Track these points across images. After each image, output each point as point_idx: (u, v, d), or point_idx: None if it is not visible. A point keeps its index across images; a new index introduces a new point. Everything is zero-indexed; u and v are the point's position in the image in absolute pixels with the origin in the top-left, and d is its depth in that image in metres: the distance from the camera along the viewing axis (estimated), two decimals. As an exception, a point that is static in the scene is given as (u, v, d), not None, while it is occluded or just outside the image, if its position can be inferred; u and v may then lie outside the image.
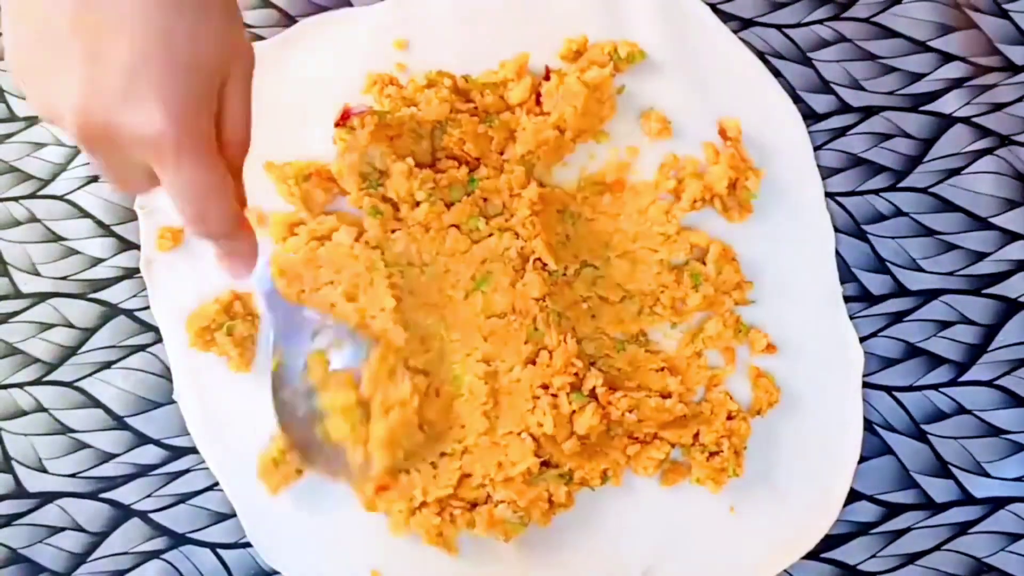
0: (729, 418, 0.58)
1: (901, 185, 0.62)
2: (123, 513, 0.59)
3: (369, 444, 0.53)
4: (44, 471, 0.60)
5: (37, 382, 0.61)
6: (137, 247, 0.61)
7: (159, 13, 0.35)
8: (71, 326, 0.61)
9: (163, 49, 0.35)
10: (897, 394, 0.60)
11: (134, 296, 0.61)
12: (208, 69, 0.37)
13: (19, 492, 0.60)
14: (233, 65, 0.39)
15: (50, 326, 0.61)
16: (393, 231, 0.57)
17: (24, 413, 0.60)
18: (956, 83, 0.63)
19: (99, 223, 0.62)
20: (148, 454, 0.60)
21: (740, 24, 0.63)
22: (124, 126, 0.36)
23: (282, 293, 0.55)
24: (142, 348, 0.61)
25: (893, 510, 0.59)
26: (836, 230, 0.61)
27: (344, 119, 0.56)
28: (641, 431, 0.57)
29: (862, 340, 0.59)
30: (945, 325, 0.60)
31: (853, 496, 0.58)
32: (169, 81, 0.35)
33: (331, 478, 0.55)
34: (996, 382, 0.60)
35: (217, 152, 0.39)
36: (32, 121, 0.63)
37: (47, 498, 0.59)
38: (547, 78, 0.60)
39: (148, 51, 0.35)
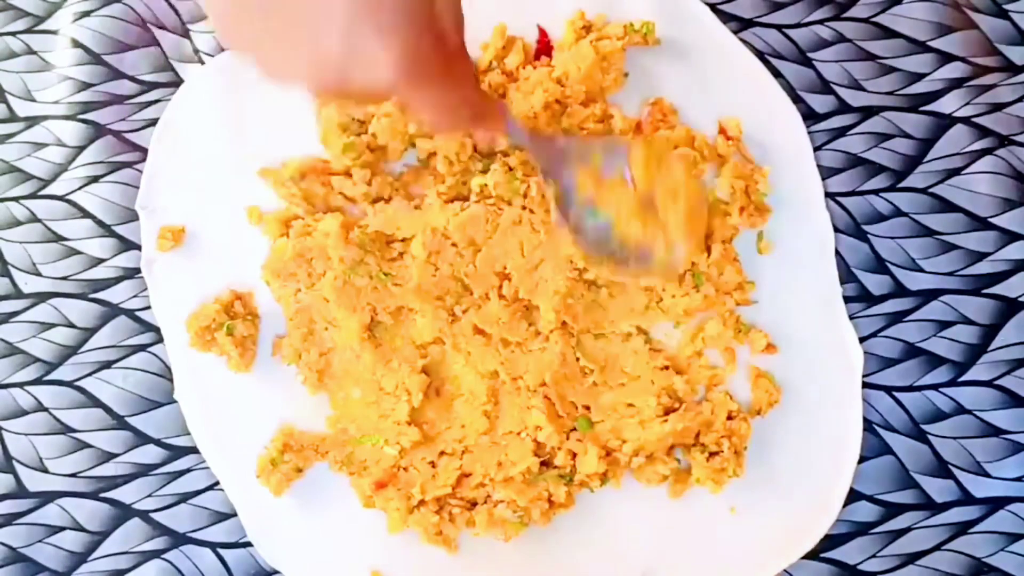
0: (729, 418, 0.58)
1: (901, 185, 0.62)
2: (124, 512, 0.59)
3: (669, 232, 0.54)
4: (45, 471, 0.60)
5: (38, 382, 0.61)
6: (138, 247, 0.61)
7: None
8: (72, 326, 0.61)
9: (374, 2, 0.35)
10: (897, 394, 0.60)
11: (135, 296, 0.61)
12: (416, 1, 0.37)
13: (20, 491, 0.60)
14: None
15: (51, 326, 0.61)
16: (375, 202, 0.58)
17: (25, 413, 0.60)
18: (956, 83, 0.63)
19: (100, 223, 0.62)
20: (149, 454, 0.60)
21: (740, 24, 0.63)
22: (357, 85, 0.36)
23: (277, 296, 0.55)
24: (143, 348, 0.61)
25: (893, 510, 0.59)
26: (836, 230, 0.61)
27: None
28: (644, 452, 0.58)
29: (862, 340, 0.59)
30: (945, 325, 0.60)
31: (853, 496, 0.58)
32: (384, 32, 0.35)
33: (644, 274, 0.56)
34: (996, 382, 0.60)
35: (446, 63, 0.39)
36: (33, 121, 0.63)
37: (48, 497, 0.60)
38: (541, 41, 0.61)
39: (358, 5, 0.35)
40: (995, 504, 0.59)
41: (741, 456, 0.57)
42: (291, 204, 0.59)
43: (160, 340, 0.60)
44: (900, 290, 0.61)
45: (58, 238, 0.62)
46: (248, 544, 0.59)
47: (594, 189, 0.54)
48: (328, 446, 0.58)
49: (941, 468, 0.59)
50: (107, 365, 0.61)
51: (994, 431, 0.59)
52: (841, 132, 0.62)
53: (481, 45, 0.61)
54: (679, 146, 0.60)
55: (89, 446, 0.60)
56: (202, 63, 0.64)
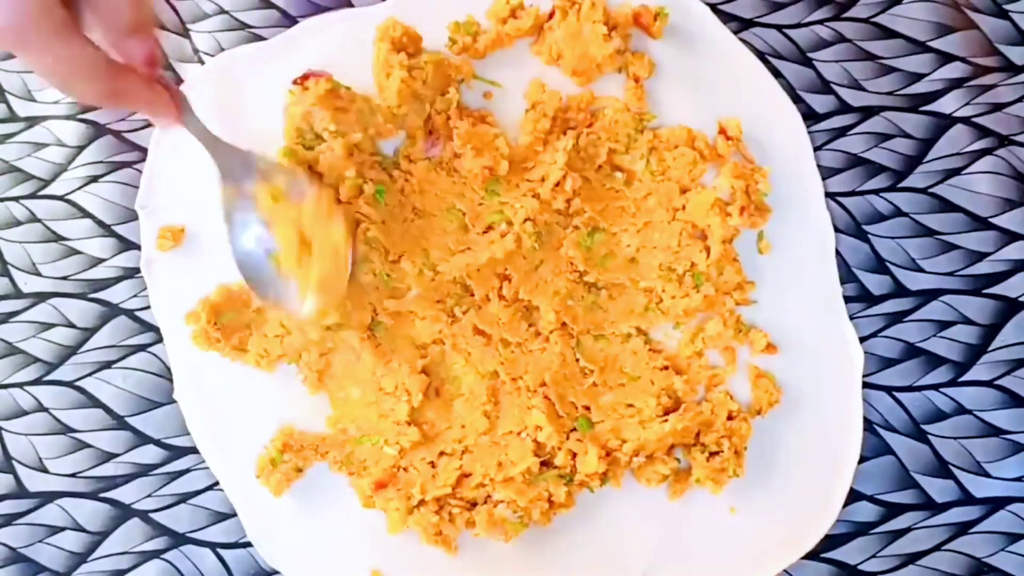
0: (730, 418, 0.58)
1: (901, 185, 0.62)
2: (123, 513, 0.59)
3: (311, 281, 0.54)
4: (45, 471, 0.60)
5: (37, 382, 0.61)
6: (137, 247, 0.61)
7: None
8: (71, 326, 0.61)
9: None
10: (897, 394, 0.60)
11: (134, 296, 0.61)
12: None
13: (20, 492, 0.60)
14: None
15: (50, 326, 0.61)
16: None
17: (25, 413, 0.60)
18: (956, 83, 0.63)
19: (99, 223, 0.62)
20: (148, 454, 0.60)
21: (740, 24, 0.63)
22: None
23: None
24: (142, 348, 0.61)
25: (893, 510, 0.59)
26: (836, 230, 0.61)
27: (303, 80, 0.58)
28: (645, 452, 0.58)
29: (862, 340, 0.59)
30: (945, 325, 0.60)
31: (853, 496, 0.58)
32: None
33: (279, 311, 0.57)
34: (996, 382, 0.60)
35: (75, 31, 0.40)
36: (33, 121, 0.63)
37: (47, 497, 0.60)
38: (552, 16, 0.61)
39: None
40: (995, 504, 0.59)
41: (741, 456, 0.57)
42: None
43: (160, 340, 0.60)
44: (900, 290, 0.61)
45: (58, 238, 0.62)
46: (248, 544, 0.59)
47: (270, 208, 0.54)
48: (328, 446, 0.58)
49: (941, 468, 0.59)
50: (107, 365, 0.61)
51: (994, 431, 0.59)
52: (841, 132, 0.62)
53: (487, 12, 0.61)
54: (679, 146, 0.60)
55: (89, 446, 0.60)
56: (202, 63, 0.64)
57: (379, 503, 0.57)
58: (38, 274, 0.62)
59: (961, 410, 0.60)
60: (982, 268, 0.61)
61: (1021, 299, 0.61)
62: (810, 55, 0.63)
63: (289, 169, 0.56)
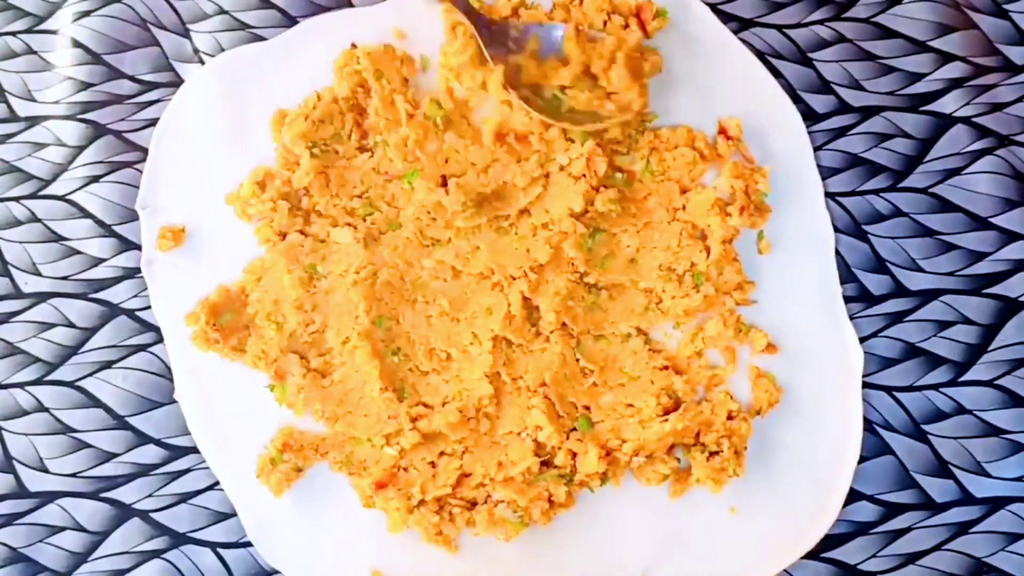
0: (729, 418, 0.58)
1: (901, 185, 0.62)
2: (124, 512, 0.59)
3: (617, 91, 0.59)
4: (45, 471, 0.60)
5: (38, 382, 0.61)
6: (138, 247, 0.61)
7: None
8: (72, 326, 0.61)
9: None
10: (897, 394, 0.60)
11: (135, 296, 0.61)
12: None
13: (20, 491, 0.60)
14: None
15: (51, 326, 0.61)
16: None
17: (25, 413, 0.60)
18: (956, 83, 0.63)
19: (100, 223, 0.62)
20: (148, 454, 0.60)
21: (740, 24, 0.63)
22: None
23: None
24: (143, 348, 0.61)
25: (893, 510, 0.59)
26: (836, 230, 0.61)
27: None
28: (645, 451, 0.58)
29: (862, 340, 0.60)
30: (945, 325, 0.60)
31: (853, 496, 0.58)
32: None
33: (603, 127, 0.59)
34: (996, 382, 0.60)
35: None
36: (33, 121, 0.63)
37: (48, 497, 0.60)
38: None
39: None
40: (995, 504, 0.59)
41: (741, 456, 0.57)
42: (262, 222, 0.60)
43: (160, 340, 0.61)
44: (900, 290, 0.61)
45: (58, 238, 0.62)
46: (248, 544, 0.59)
47: (535, 71, 0.59)
48: (328, 446, 0.58)
49: (941, 468, 0.59)
50: (107, 365, 0.61)
51: (994, 431, 0.59)
52: (841, 132, 0.62)
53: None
54: (679, 145, 0.60)
55: (89, 446, 0.60)
56: (202, 63, 0.64)
57: (379, 503, 0.57)
58: (38, 274, 0.62)
59: (961, 410, 0.60)
60: (982, 268, 0.61)
61: (1021, 299, 0.61)
62: (810, 55, 0.63)
63: (539, 27, 0.60)
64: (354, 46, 0.61)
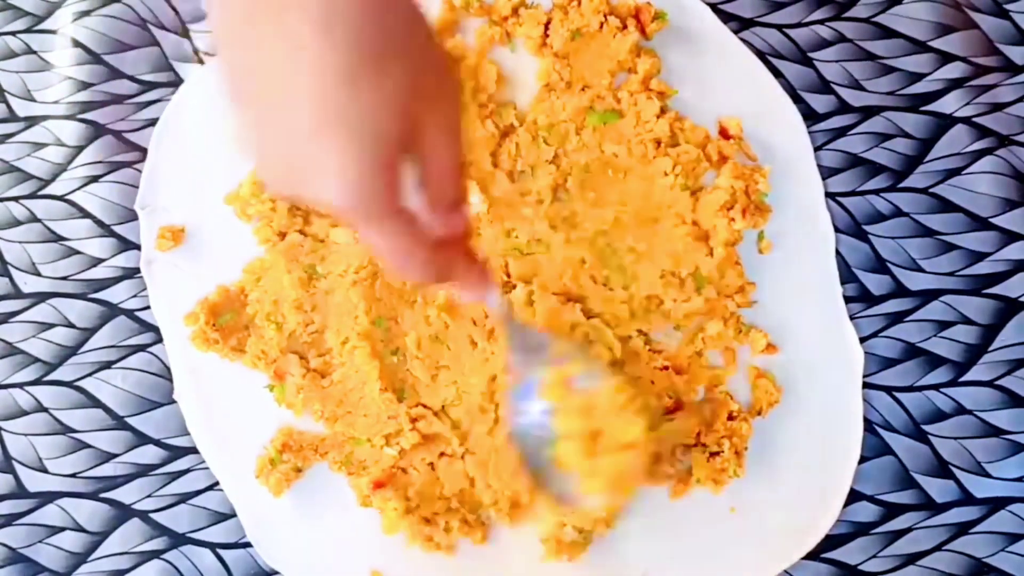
0: (730, 418, 0.58)
1: (901, 185, 0.62)
2: (123, 513, 0.59)
3: (593, 477, 0.49)
4: (44, 471, 0.60)
5: (37, 382, 0.61)
6: (137, 247, 0.61)
7: (334, 86, 0.34)
8: (71, 326, 0.61)
9: (337, 125, 0.35)
10: (897, 394, 0.60)
11: (134, 296, 0.61)
12: (385, 137, 0.36)
13: (19, 492, 0.59)
14: (427, 114, 0.37)
15: (50, 326, 0.61)
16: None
17: (24, 413, 0.60)
18: (956, 83, 0.63)
19: (99, 223, 0.62)
20: (148, 454, 0.60)
21: (740, 24, 0.63)
22: (312, 200, 0.37)
23: None
24: (142, 348, 0.61)
25: (893, 510, 0.59)
26: (836, 230, 0.61)
27: None
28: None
29: (862, 340, 0.59)
30: (945, 325, 0.60)
31: (853, 496, 0.58)
32: (343, 155, 0.35)
33: (558, 504, 0.52)
34: (996, 382, 0.60)
35: (399, 218, 0.38)
36: (33, 121, 0.63)
37: (47, 498, 0.59)
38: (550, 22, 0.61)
39: (323, 123, 0.35)
40: (995, 504, 0.59)
41: (742, 456, 0.57)
42: (261, 222, 0.60)
43: (160, 340, 0.60)
44: (900, 290, 0.61)
45: (58, 238, 0.62)
46: (248, 544, 0.59)
47: (556, 394, 0.49)
48: (328, 446, 0.58)
49: (941, 468, 0.59)
50: (107, 365, 0.61)
51: (994, 431, 0.59)
52: (841, 132, 0.62)
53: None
54: (690, 142, 0.60)
55: (89, 446, 0.60)
56: (202, 63, 0.64)
57: (376, 503, 0.57)
58: (38, 274, 0.62)
59: (961, 410, 0.60)
60: (982, 268, 0.61)
61: (1021, 299, 0.61)
62: (810, 55, 0.63)
63: (585, 357, 0.52)
64: None
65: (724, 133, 0.60)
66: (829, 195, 0.61)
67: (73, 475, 0.60)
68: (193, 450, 0.59)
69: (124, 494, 0.59)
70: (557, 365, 0.50)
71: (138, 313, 0.61)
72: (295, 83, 0.35)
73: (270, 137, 0.37)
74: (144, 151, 0.62)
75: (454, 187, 0.40)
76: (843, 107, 0.62)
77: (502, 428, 0.58)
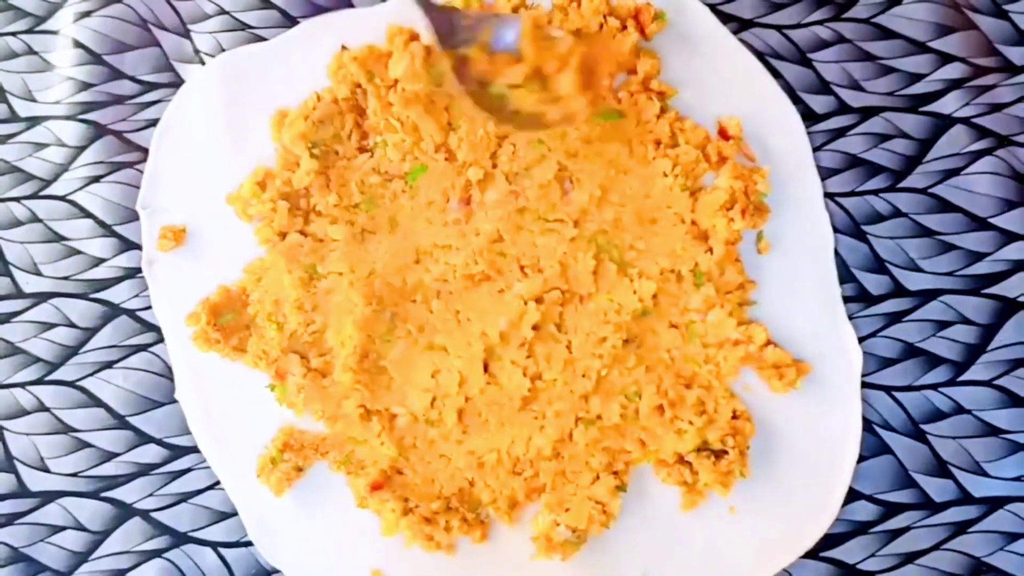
0: (734, 417, 0.58)
1: (900, 185, 0.62)
2: (124, 512, 0.60)
3: (564, 98, 0.55)
4: (46, 470, 0.60)
5: (39, 381, 0.61)
6: (138, 247, 0.62)
7: None
8: (73, 326, 0.61)
9: None
10: (896, 394, 0.60)
11: (135, 296, 0.61)
12: None
13: (21, 491, 0.60)
14: None
15: (52, 326, 0.61)
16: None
17: (26, 412, 0.61)
18: (955, 84, 0.63)
19: (100, 223, 0.62)
20: (149, 453, 0.60)
21: (740, 25, 0.63)
22: None
23: None
24: (143, 348, 0.61)
25: (892, 509, 0.59)
26: (835, 230, 0.61)
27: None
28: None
29: (861, 340, 0.60)
30: (944, 325, 0.61)
31: (852, 495, 0.59)
32: None
33: (548, 130, 0.58)
34: (995, 382, 0.60)
35: None
36: (34, 122, 0.64)
37: (49, 497, 0.60)
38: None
39: None
40: (994, 503, 0.59)
41: (745, 456, 0.57)
42: (262, 222, 0.60)
43: (161, 340, 0.61)
44: (899, 290, 0.61)
45: (59, 238, 0.62)
46: (248, 543, 0.59)
47: (485, 64, 0.56)
48: (328, 446, 0.59)
49: (940, 468, 0.59)
50: (108, 365, 0.61)
51: (993, 431, 0.60)
52: (841, 132, 0.62)
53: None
54: (690, 143, 0.60)
55: (90, 446, 0.60)
56: (202, 63, 0.64)
57: (373, 505, 0.57)
58: (39, 274, 0.62)
59: (960, 410, 0.60)
60: (981, 268, 0.61)
61: (1020, 299, 0.61)
62: (810, 55, 0.63)
63: (497, 18, 0.57)
64: (344, 48, 0.61)
65: (724, 134, 0.61)
66: (828, 195, 0.61)
67: (74, 474, 0.60)
68: (194, 449, 0.60)
69: (125, 493, 0.60)
70: (474, 39, 0.56)
71: (139, 313, 0.61)
72: None
73: None
74: (145, 151, 0.62)
75: None
76: (842, 108, 0.63)
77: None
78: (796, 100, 0.62)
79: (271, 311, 0.59)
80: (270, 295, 0.60)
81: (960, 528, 0.59)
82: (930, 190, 0.62)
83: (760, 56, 0.63)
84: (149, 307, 0.61)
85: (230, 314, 0.60)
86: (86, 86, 0.64)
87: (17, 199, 0.63)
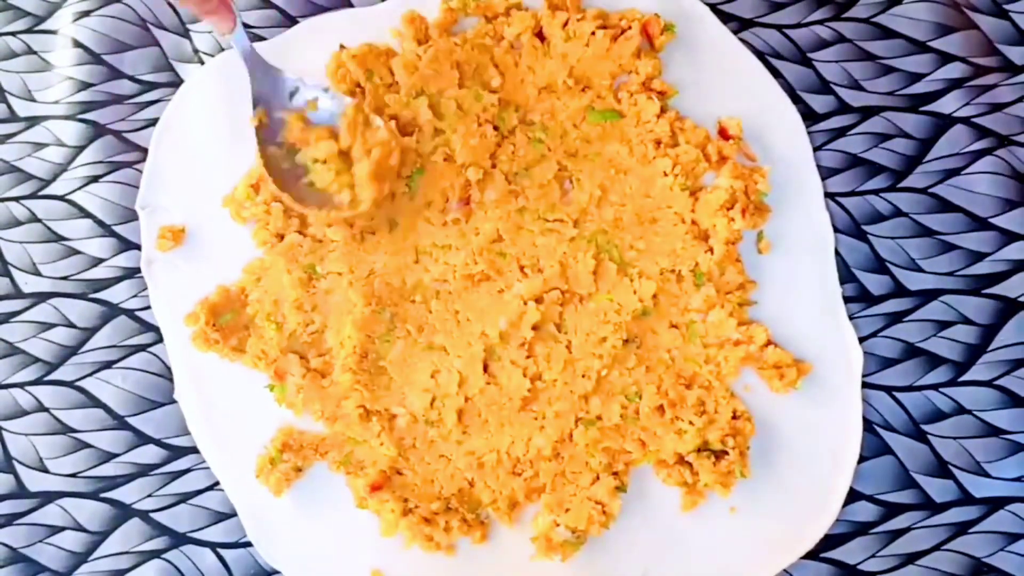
0: (734, 417, 0.58)
1: (901, 185, 0.62)
2: (123, 513, 0.59)
3: (356, 184, 0.57)
4: (45, 471, 0.60)
5: (38, 382, 0.61)
6: (137, 247, 0.62)
7: None
8: (72, 326, 0.61)
9: None
10: (897, 394, 0.60)
11: (134, 296, 0.61)
12: None
13: (20, 492, 0.60)
14: None
15: (51, 326, 0.61)
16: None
17: (25, 413, 0.60)
18: (956, 83, 0.63)
19: (100, 223, 0.62)
20: (148, 454, 0.60)
21: (740, 24, 0.63)
22: None
23: None
24: (143, 348, 0.61)
25: (892, 510, 0.59)
26: (836, 230, 0.61)
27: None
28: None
29: (862, 340, 0.60)
30: (944, 325, 0.61)
31: (853, 496, 0.59)
32: None
33: (319, 215, 0.58)
34: (995, 382, 0.60)
35: None
36: (33, 121, 0.64)
37: (48, 498, 0.60)
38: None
39: None
40: (995, 504, 0.59)
41: (745, 456, 0.57)
42: (257, 224, 0.60)
43: (160, 340, 0.61)
44: (900, 290, 0.61)
45: (58, 238, 0.62)
46: (248, 544, 0.59)
47: (299, 133, 0.57)
48: (328, 446, 0.59)
49: (941, 468, 0.59)
50: (107, 365, 0.61)
51: (994, 431, 0.60)
52: (841, 132, 0.62)
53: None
54: (690, 142, 0.60)
55: (89, 446, 0.60)
56: (202, 63, 0.64)
57: (373, 505, 0.57)
58: (38, 274, 0.62)
59: (960, 410, 0.60)
60: (981, 268, 0.61)
61: (1020, 299, 0.61)
62: (810, 55, 0.63)
63: (324, 88, 0.58)
64: (342, 47, 0.60)
65: (724, 133, 0.61)
66: (829, 195, 0.61)
67: (74, 475, 0.60)
68: (193, 450, 0.60)
69: (124, 494, 0.60)
70: (296, 105, 0.58)
71: (138, 313, 0.61)
72: None
73: None
74: (144, 151, 0.62)
75: None
76: (842, 107, 0.63)
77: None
78: (796, 100, 0.62)
79: (270, 311, 0.59)
80: (269, 295, 0.60)
81: (961, 529, 0.59)
82: (930, 190, 0.62)
83: (760, 56, 0.63)
84: (148, 307, 0.61)
85: (229, 314, 0.60)
86: (85, 86, 0.64)
87: (16, 199, 0.63)
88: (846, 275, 0.61)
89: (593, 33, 0.60)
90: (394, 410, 0.59)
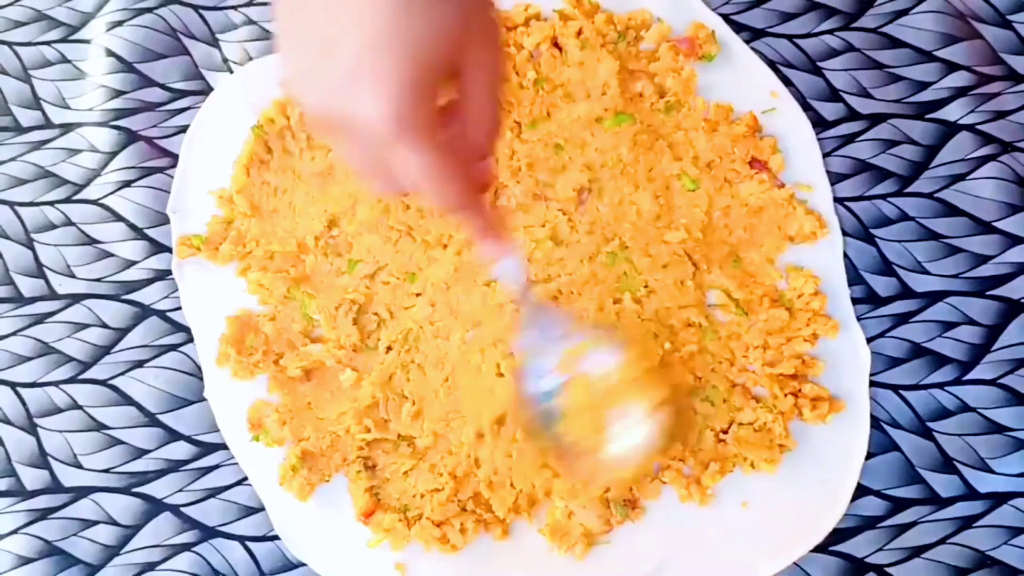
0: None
1: (907, 190, 0.63)
2: (155, 507, 0.60)
3: (598, 452, 0.50)
4: (79, 466, 0.61)
5: (72, 380, 0.62)
6: (169, 250, 0.63)
7: (390, 11, 0.36)
8: (105, 326, 0.62)
9: (387, 43, 0.36)
10: (903, 392, 0.61)
11: (166, 297, 0.63)
12: (429, 63, 0.37)
13: (55, 487, 0.61)
14: (470, 49, 0.38)
15: (85, 326, 0.62)
16: None
17: (59, 410, 0.62)
18: (961, 92, 0.64)
19: (132, 227, 0.63)
20: (179, 450, 0.61)
21: (752, 34, 0.65)
22: (347, 114, 0.37)
23: None
24: (174, 347, 0.62)
25: (899, 504, 0.60)
26: (844, 234, 0.62)
27: None
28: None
29: (869, 340, 0.61)
30: (950, 326, 0.61)
31: (861, 491, 0.59)
32: (388, 74, 0.36)
33: (573, 476, 0.54)
34: (999, 381, 0.61)
35: (434, 138, 0.38)
36: (67, 128, 0.65)
37: (81, 492, 0.61)
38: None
39: (373, 45, 0.36)
40: (998, 499, 0.60)
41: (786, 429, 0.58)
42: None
43: (190, 340, 0.62)
44: (907, 292, 0.62)
45: (91, 241, 0.63)
46: (275, 537, 0.60)
47: (568, 371, 0.50)
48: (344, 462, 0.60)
49: (946, 464, 0.60)
50: (139, 364, 0.62)
51: (997, 428, 0.60)
52: (850, 139, 0.63)
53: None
54: (717, 128, 0.61)
55: (122, 443, 0.61)
56: (231, 71, 0.65)
57: (374, 530, 0.58)
58: (72, 276, 0.63)
59: (965, 408, 0.60)
60: (986, 271, 0.62)
61: (1023, 300, 0.62)
62: (820, 64, 0.64)
63: (598, 336, 0.51)
64: None
65: (758, 163, 0.62)
66: (837, 200, 0.62)
67: (107, 470, 0.61)
68: (223, 446, 0.61)
69: (156, 489, 0.61)
70: (568, 344, 0.50)
71: (169, 314, 0.62)
72: (348, 9, 0.36)
73: (316, 53, 0.37)
74: (175, 157, 0.64)
75: (488, 130, 0.40)
76: (851, 114, 0.64)
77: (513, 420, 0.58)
78: (807, 107, 0.64)
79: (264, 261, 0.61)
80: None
81: (966, 523, 0.59)
82: (936, 195, 0.63)
83: (772, 65, 0.64)
84: (179, 308, 0.62)
85: (251, 336, 0.60)
86: (118, 93, 0.65)
87: (51, 203, 0.64)
88: (854, 277, 0.62)
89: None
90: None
